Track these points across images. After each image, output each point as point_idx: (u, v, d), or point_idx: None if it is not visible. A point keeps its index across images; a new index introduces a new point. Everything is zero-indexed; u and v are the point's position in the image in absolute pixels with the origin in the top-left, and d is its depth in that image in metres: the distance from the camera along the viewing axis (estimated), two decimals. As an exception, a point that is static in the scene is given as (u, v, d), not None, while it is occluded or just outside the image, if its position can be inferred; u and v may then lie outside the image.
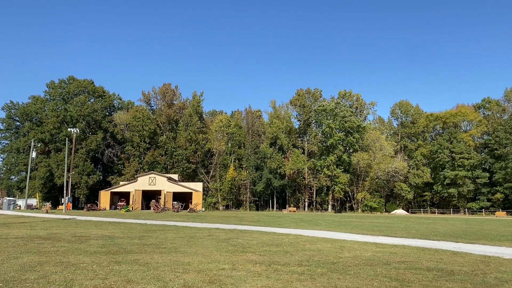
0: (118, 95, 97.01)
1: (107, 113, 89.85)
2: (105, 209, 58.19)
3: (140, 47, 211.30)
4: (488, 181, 78.82)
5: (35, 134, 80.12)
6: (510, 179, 74.39)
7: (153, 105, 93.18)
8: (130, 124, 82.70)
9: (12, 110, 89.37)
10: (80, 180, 76.41)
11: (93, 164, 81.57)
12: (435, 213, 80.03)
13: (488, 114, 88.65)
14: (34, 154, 70.53)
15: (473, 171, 79.06)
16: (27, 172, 72.38)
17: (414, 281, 7.68)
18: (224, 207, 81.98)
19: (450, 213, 78.23)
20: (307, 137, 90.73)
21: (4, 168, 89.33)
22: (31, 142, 72.55)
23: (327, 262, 10.03)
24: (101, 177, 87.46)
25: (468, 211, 78.90)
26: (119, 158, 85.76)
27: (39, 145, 79.64)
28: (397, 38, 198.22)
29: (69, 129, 68.15)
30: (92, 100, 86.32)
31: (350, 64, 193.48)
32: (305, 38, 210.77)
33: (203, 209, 64.95)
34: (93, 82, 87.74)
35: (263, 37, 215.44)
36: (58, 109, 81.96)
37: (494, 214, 70.61)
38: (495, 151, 78.00)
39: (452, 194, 78.85)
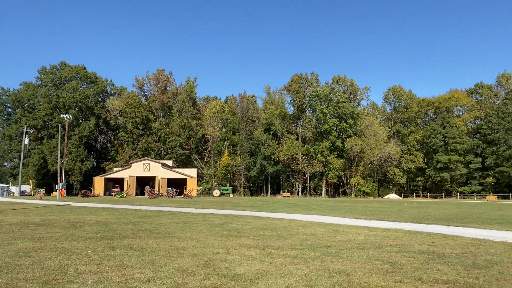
0: (111, 81, 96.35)
1: (100, 99, 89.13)
2: (99, 195, 58.17)
3: (133, 33, 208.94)
4: (481, 166, 79.62)
5: (27, 120, 79.46)
6: (501, 163, 75.20)
7: (146, 91, 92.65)
8: (123, 111, 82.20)
9: (4, 97, 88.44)
10: (74, 167, 76.16)
11: (86, 151, 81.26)
12: (427, 197, 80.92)
13: (480, 99, 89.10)
14: (26, 141, 70.09)
15: (466, 156, 79.78)
16: (20, 159, 72.02)
17: (406, 264, 7.79)
18: (200, 192, 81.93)
19: (442, 197, 79.09)
20: (301, 123, 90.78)
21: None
22: (23, 128, 72.02)
23: (321, 245, 10.12)
24: (94, 163, 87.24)
25: (460, 195, 79.84)
26: (112, 145, 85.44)
27: (31, 132, 79.18)
28: (391, 25, 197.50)
29: (61, 116, 67.60)
30: (84, 86, 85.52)
31: (344, 50, 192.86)
32: (299, 24, 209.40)
33: (231, 195, 64.69)
34: (85, 68, 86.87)
35: (258, 22, 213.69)
36: (50, 95, 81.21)
37: (485, 198, 71.52)
38: (487, 136, 78.63)
39: (444, 178, 79.62)
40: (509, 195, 72.07)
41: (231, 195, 64.36)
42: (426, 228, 15.16)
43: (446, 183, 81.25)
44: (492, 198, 68.89)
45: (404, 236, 12.31)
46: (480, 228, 15.30)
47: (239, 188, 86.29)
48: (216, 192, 62.21)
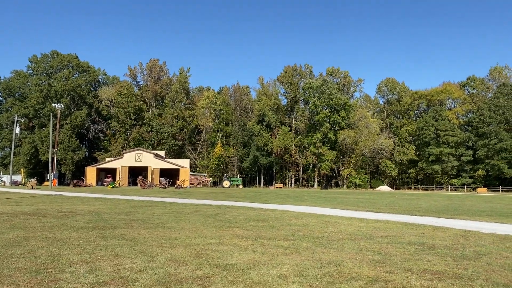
0: (103, 71, 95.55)
1: (92, 89, 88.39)
2: (91, 185, 57.95)
3: (126, 22, 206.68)
4: (472, 158, 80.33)
5: (19, 109, 78.72)
6: (492, 156, 75.86)
7: (139, 80, 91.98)
8: (115, 100, 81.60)
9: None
10: (66, 156, 75.69)
11: (78, 140, 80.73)
12: (418, 189, 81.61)
13: (472, 92, 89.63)
14: (17, 130, 69.51)
15: (457, 149, 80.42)
16: (11, 148, 71.44)
17: (396, 255, 7.87)
18: (211, 183, 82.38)
19: (434, 189, 79.79)
20: (295, 115, 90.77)
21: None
22: (14, 117, 71.33)
23: (312, 236, 10.20)
24: (86, 153, 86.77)
25: (450, 187, 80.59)
26: (104, 135, 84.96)
27: (22, 121, 78.42)
28: (386, 18, 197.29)
29: (53, 105, 67.10)
30: (76, 75, 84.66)
31: (339, 42, 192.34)
32: (294, 15, 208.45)
33: (241, 186, 65.82)
34: (77, 57, 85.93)
35: (252, 13, 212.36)
36: (41, 84, 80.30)
37: (476, 191, 72.32)
38: (479, 129, 79.20)
39: (436, 170, 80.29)
40: (499, 188, 72.91)
41: (241, 186, 65.22)
42: (417, 219, 15.31)
43: (438, 175, 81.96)
44: (482, 191, 69.65)
45: (395, 228, 12.43)
46: (470, 220, 15.47)
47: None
48: (226, 183, 63.80)
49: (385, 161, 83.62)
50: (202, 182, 66.38)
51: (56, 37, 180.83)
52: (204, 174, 75.68)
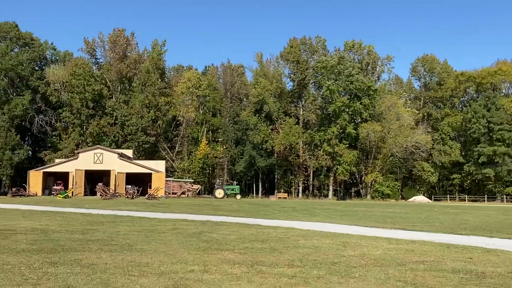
0: (52, 44, 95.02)
1: (37, 68, 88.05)
2: (36, 195, 57.84)
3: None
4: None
5: None
6: None
7: (99, 57, 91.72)
8: (67, 83, 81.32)
9: None
10: (2, 157, 75.45)
11: (19, 136, 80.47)
12: (465, 200, 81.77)
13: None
14: None
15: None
16: None
17: (436, 286, 7.90)
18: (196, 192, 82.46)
19: (484, 200, 79.94)
20: (303, 103, 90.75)
21: None
22: None
23: (326, 262, 10.23)
24: (30, 152, 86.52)
25: (506, 198, 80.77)
26: (54, 128, 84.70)
27: None
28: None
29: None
30: (16, 50, 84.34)
31: (360, 8, 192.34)
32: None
33: (239, 196, 66.14)
34: (17, 26, 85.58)
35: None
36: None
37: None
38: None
39: (487, 176, 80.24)
40: None
41: (238, 196, 65.07)
42: (463, 240, 15.38)
43: (490, 182, 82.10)
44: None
45: (434, 250, 12.48)
46: (532, 240, 15.53)
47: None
48: (219, 193, 63.06)
49: (422, 163, 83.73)
50: (188, 190, 66.40)
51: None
52: (190, 180, 75.69)
